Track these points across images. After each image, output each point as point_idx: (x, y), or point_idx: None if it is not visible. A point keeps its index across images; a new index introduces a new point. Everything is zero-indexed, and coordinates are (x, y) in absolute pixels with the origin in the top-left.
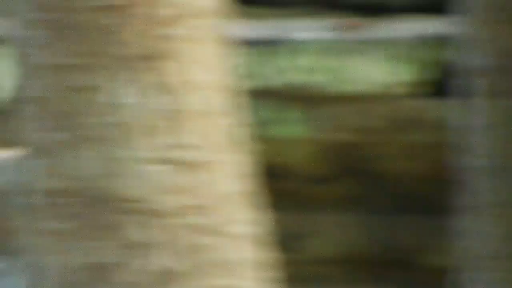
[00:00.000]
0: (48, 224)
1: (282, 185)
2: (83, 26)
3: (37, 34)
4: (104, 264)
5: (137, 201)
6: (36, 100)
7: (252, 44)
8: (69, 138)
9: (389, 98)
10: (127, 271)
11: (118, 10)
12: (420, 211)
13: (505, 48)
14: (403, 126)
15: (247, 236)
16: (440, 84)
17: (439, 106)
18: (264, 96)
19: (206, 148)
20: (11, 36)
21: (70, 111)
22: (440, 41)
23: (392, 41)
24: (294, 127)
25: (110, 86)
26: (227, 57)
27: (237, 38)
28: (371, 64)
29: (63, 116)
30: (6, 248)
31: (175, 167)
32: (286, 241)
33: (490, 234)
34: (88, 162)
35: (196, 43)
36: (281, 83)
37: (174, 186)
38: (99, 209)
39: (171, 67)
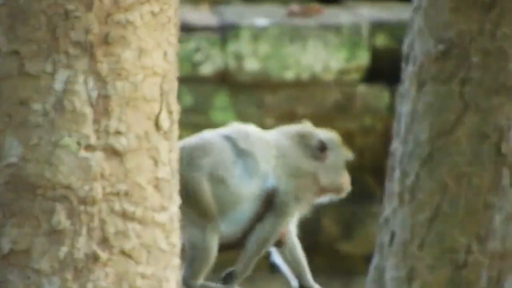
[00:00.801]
0: None
1: None
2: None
3: None
4: (31, 251)
5: (65, 188)
6: None
7: (205, 30)
8: None
9: (333, 84)
10: (54, 258)
11: None
12: (347, 198)
13: (439, 36)
14: (332, 113)
15: (174, 223)
16: (393, 71)
17: (385, 93)
18: (194, 83)
19: (133, 135)
20: None
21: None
22: (397, 27)
23: (349, 27)
24: (221, 114)
25: (41, 71)
26: (173, 43)
27: (190, 23)
28: (323, 50)
29: None
30: None
31: (102, 154)
32: None
33: (414, 221)
34: (15, 149)
35: (145, 28)
36: (211, 70)
37: (101, 173)
38: (25, 196)
39: (101, 52)
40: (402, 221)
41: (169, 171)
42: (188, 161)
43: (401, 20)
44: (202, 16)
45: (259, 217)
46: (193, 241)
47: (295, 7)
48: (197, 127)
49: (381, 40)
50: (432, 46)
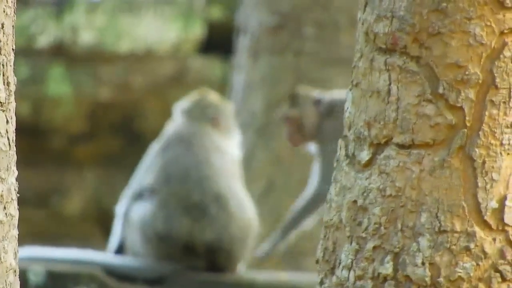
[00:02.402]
0: None
1: (45, 143)
2: None
3: None
4: None
5: None
6: None
7: (41, 2)
8: None
9: (168, 56)
10: None
11: None
12: None
13: (273, 8)
14: (167, 84)
15: (10, 194)
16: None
17: (219, 64)
18: (30, 55)
19: None
20: None
21: None
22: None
23: None
24: (57, 85)
25: None
26: (9, 15)
27: None
28: (158, 22)
29: None
30: None
31: None
32: (44, 198)
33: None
34: None
35: None
36: (47, 42)
37: None
38: None
39: None
40: None
41: (6, 143)
42: None
43: None
44: None
45: None
46: None
47: None
48: (33, 99)
49: (216, 12)
50: (266, 18)
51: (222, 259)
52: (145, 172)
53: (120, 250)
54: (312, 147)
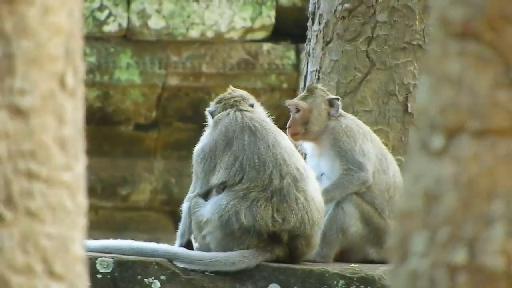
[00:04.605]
0: None
1: (113, 131)
2: None
3: None
4: None
5: None
6: None
7: None
8: None
9: (238, 42)
10: None
11: None
12: None
13: None
14: (237, 71)
15: (78, 183)
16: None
17: (291, 51)
18: (98, 41)
19: (37, 94)
20: None
21: None
22: None
23: None
24: (125, 73)
25: None
26: (78, 1)
27: None
28: (228, 8)
29: None
30: None
31: (6, 113)
32: (112, 187)
33: None
34: None
35: None
36: (115, 28)
37: (5, 131)
38: None
39: (5, 10)
40: None
41: (75, 130)
42: None
43: None
44: None
45: None
46: None
47: None
48: (102, 86)
49: None
50: (338, 4)
51: (303, 246)
52: (208, 174)
53: (188, 248)
54: (307, 146)
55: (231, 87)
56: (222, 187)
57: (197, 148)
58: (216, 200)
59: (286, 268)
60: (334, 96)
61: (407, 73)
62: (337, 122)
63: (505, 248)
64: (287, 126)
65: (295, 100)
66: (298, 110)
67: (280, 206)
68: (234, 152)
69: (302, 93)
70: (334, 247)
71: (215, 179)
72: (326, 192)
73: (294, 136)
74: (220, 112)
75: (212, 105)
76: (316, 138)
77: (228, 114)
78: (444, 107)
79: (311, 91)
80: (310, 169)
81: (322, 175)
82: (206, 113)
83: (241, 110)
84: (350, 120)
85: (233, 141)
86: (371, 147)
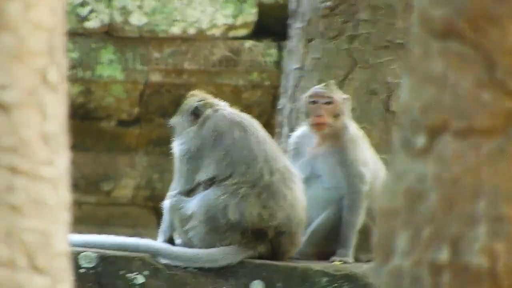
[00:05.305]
0: None
1: (95, 127)
2: None
3: None
4: None
5: None
6: None
7: None
8: None
9: (220, 39)
10: None
11: None
12: None
13: None
14: (219, 68)
15: (61, 178)
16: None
17: (273, 49)
18: (80, 37)
19: (20, 89)
20: None
21: None
22: None
23: None
24: (108, 69)
25: None
26: None
27: None
28: (210, 5)
29: None
30: None
31: None
32: (95, 183)
33: None
34: None
35: None
36: (99, 24)
37: None
38: None
39: None
40: None
41: (57, 126)
42: None
43: None
44: None
45: None
46: None
47: None
48: (84, 82)
49: None
50: (320, 2)
51: (287, 243)
52: (194, 172)
53: (170, 243)
54: (303, 142)
55: (192, 92)
56: (210, 182)
57: (181, 148)
58: (203, 195)
59: (270, 264)
60: (346, 96)
61: (389, 71)
62: (343, 127)
63: (488, 247)
64: (317, 114)
65: (328, 91)
66: (329, 102)
67: (268, 202)
68: (224, 146)
69: (322, 86)
70: (321, 248)
71: (203, 175)
72: (349, 225)
73: (322, 126)
74: (204, 111)
75: (196, 104)
76: (331, 135)
77: (216, 111)
78: (426, 107)
79: (330, 86)
80: (295, 168)
81: (318, 177)
82: (188, 111)
83: (225, 109)
84: (352, 127)
85: (223, 135)
86: (370, 155)
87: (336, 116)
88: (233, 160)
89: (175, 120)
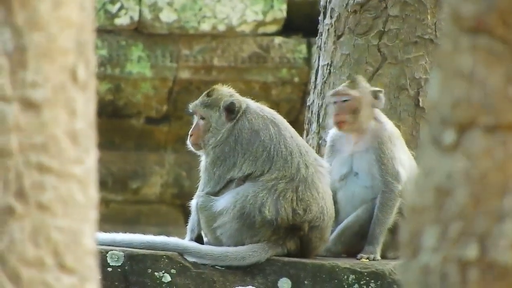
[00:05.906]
0: None
1: (124, 125)
2: None
3: None
4: None
5: None
6: None
7: None
8: None
9: (250, 36)
10: None
11: None
12: None
13: None
14: (249, 65)
15: (89, 176)
16: (310, 23)
17: (302, 45)
18: (110, 34)
19: (49, 87)
20: None
21: None
22: None
23: None
24: (137, 66)
25: None
26: None
27: None
28: (240, 2)
29: None
30: None
31: (18, 105)
32: (123, 181)
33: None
34: None
35: None
36: (129, 21)
37: (17, 124)
38: None
39: (17, 3)
40: None
41: (86, 123)
42: None
43: None
44: None
45: None
46: None
47: None
48: (113, 79)
49: None
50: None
51: (318, 239)
52: (225, 173)
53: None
54: (338, 139)
55: (215, 87)
56: (243, 179)
57: (216, 150)
58: (237, 192)
59: (297, 262)
60: (377, 89)
61: (418, 67)
62: (380, 125)
63: None
64: (335, 113)
65: (345, 89)
66: (346, 100)
67: (304, 195)
68: (261, 142)
69: (345, 83)
70: (350, 247)
71: (237, 173)
72: (379, 222)
73: (342, 124)
74: (239, 108)
75: (232, 100)
76: (359, 132)
77: (248, 107)
78: (456, 102)
79: (354, 81)
80: (325, 162)
81: (356, 174)
82: (223, 106)
83: (254, 105)
84: (390, 125)
85: (259, 132)
86: (407, 154)
87: (355, 111)
88: (270, 156)
89: (205, 112)
